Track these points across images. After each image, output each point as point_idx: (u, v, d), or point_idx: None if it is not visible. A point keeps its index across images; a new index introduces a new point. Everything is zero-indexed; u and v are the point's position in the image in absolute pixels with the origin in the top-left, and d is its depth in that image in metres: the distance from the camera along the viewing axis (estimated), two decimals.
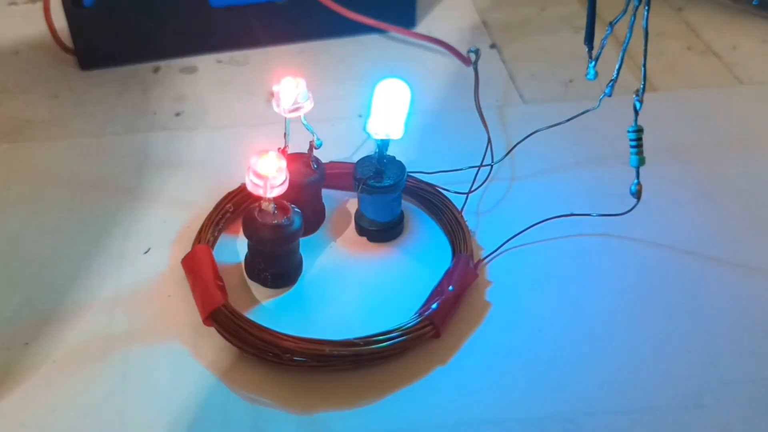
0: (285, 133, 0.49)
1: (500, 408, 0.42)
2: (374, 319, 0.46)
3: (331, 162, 0.54)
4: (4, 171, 0.56)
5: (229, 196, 0.52)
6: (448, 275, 0.48)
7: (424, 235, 0.52)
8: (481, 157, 0.57)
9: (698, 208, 0.54)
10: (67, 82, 0.65)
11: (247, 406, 0.42)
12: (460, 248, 0.49)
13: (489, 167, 0.56)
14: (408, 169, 0.51)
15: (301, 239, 0.48)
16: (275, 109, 0.48)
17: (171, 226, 0.52)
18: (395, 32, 0.67)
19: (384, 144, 0.49)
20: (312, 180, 0.50)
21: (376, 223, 0.51)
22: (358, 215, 0.52)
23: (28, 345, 0.45)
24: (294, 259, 0.48)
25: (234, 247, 0.51)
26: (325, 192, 0.53)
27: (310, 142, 0.49)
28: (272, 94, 0.47)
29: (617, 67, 0.46)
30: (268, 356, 0.43)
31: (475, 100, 0.61)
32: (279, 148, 0.47)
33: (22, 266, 0.49)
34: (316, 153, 0.50)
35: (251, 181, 0.45)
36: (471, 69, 0.64)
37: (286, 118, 0.48)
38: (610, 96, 0.47)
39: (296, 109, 0.47)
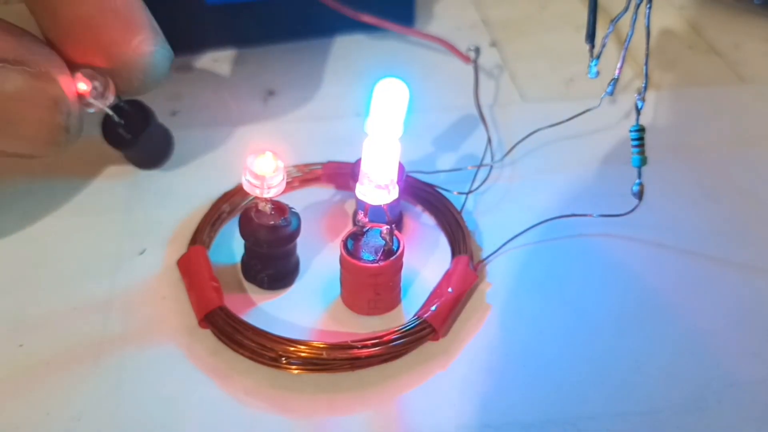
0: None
1: (500, 411, 0.42)
2: (372, 322, 0.46)
3: (329, 162, 0.54)
4: None
5: (226, 197, 0.52)
6: (447, 277, 0.47)
7: (423, 236, 0.51)
8: (481, 156, 0.56)
9: (701, 208, 0.54)
10: None
11: (243, 410, 0.42)
12: (460, 249, 0.49)
13: (489, 167, 0.55)
14: (407, 169, 0.50)
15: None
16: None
17: (166, 226, 0.51)
18: (393, 30, 0.67)
19: None
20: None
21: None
22: (356, 216, 0.51)
23: (22, 347, 0.44)
24: (291, 260, 0.48)
25: (230, 248, 0.50)
26: (323, 190, 0.52)
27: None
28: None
29: (619, 65, 0.46)
30: (264, 359, 0.43)
31: (475, 99, 0.61)
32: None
33: (15, 266, 0.49)
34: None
35: (248, 181, 0.44)
36: (470, 67, 0.64)
37: None
38: (611, 95, 0.46)
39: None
